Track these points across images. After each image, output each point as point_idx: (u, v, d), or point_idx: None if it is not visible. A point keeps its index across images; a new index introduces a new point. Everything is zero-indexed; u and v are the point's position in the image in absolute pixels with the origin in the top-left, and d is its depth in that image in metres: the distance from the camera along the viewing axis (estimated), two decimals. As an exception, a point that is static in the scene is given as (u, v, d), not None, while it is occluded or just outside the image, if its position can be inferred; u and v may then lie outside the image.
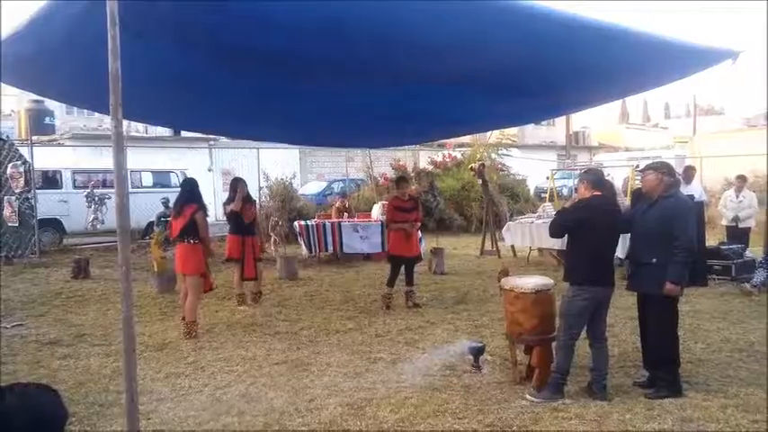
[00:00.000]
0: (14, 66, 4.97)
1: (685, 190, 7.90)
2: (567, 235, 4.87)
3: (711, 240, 10.56)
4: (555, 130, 33.80)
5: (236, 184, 7.91)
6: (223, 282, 9.77)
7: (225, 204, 8.03)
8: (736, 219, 10.92)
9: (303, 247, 11.58)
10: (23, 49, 4.49)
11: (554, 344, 4.81)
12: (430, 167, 18.91)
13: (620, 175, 14.10)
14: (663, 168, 4.88)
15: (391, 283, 7.86)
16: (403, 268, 7.87)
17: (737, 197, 11.03)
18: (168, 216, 12.34)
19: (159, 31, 4.18)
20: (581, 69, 5.25)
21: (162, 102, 6.15)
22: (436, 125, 8.19)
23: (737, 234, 10.71)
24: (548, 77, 5.35)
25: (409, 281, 7.94)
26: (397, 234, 7.83)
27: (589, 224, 4.61)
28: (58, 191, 14.19)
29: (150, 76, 4.85)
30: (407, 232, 7.79)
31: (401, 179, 8.53)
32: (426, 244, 11.97)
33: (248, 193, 8.32)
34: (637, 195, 5.35)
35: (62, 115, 27.74)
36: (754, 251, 10.07)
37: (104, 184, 14.38)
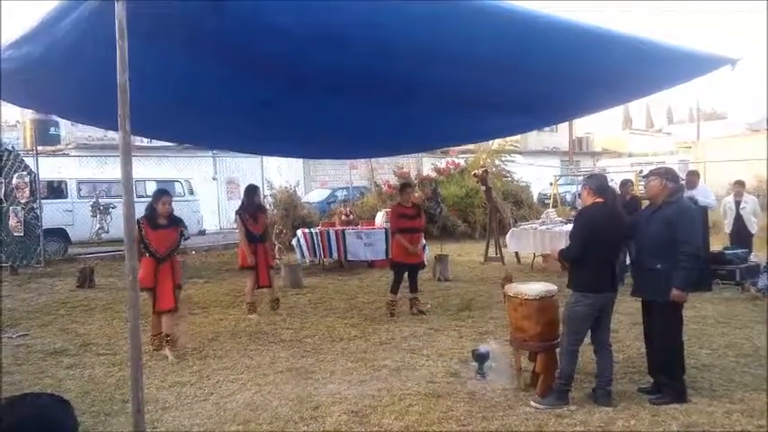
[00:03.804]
0: (17, 77, 4.99)
1: (687, 194, 7.86)
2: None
3: (716, 245, 10.53)
4: (558, 135, 33.77)
5: (251, 193, 7.96)
6: (227, 290, 9.81)
7: (236, 213, 8.05)
8: (739, 224, 10.73)
9: (304, 254, 11.52)
10: (32, 53, 4.51)
11: (558, 350, 4.81)
12: (433, 174, 18.95)
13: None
14: (666, 174, 4.89)
15: (395, 289, 7.87)
16: (407, 275, 7.89)
17: (741, 203, 10.76)
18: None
19: (167, 35, 4.20)
20: (582, 76, 5.27)
21: (167, 114, 6.17)
22: (438, 136, 8.21)
23: (743, 240, 10.48)
24: (549, 86, 5.37)
25: (413, 288, 7.95)
26: (400, 241, 7.84)
27: (592, 232, 4.61)
28: (64, 201, 14.28)
29: (156, 87, 4.87)
30: (413, 240, 7.80)
31: (405, 185, 8.53)
32: (430, 251, 11.97)
33: (260, 202, 8.34)
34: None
35: (67, 126, 27.86)
36: (759, 255, 10.04)
37: (109, 194, 14.45)
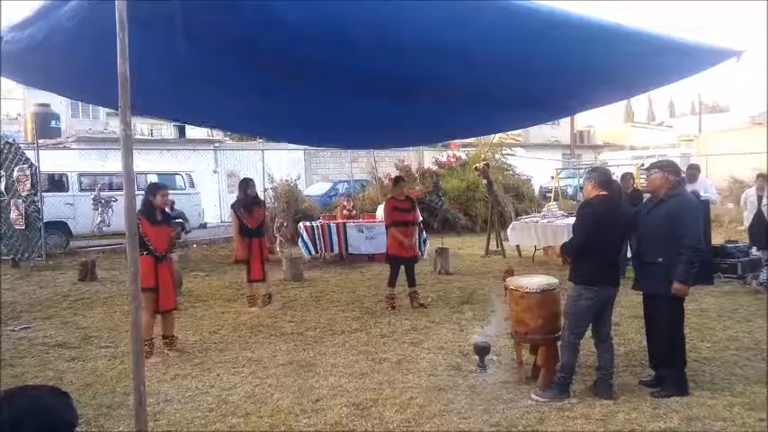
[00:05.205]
0: (20, 57, 4.97)
1: (689, 189, 7.76)
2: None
3: (718, 239, 10.50)
4: (559, 129, 33.73)
5: (245, 186, 7.92)
6: (228, 284, 9.82)
7: (232, 206, 8.04)
8: (761, 218, 9.70)
9: (303, 250, 11.54)
10: (35, 35, 4.50)
11: (559, 343, 4.80)
12: (434, 168, 18.92)
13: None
14: (668, 167, 4.87)
15: (392, 283, 7.86)
16: (403, 269, 7.88)
17: (763, 198, 9.80)
18: (172, 218, 12.39)
19: (168, 24, 4.19)
20: (587, 70, 5.25)
21: (169, 94, 6.14)
22: (439, 130, 8.19)
23: (764, 235, 9.47)
24: (556, 81, 5.35)
25: (411, 282, 7.94)
26: (394, 235, 7.84)
27: (596, 225, 4.59)
28: (65, 194, 14.28)
29: (158, 68, 4.84)
30: (407, 233, 7.79)
31: (398, 179, 8.52)
32: (431, 244, 11.98)
33: (256, 194, 8.30)
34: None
35: (68, 119, 27.88)
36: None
37: (110, 187, 14.46)
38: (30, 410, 1.63)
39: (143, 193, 6.03)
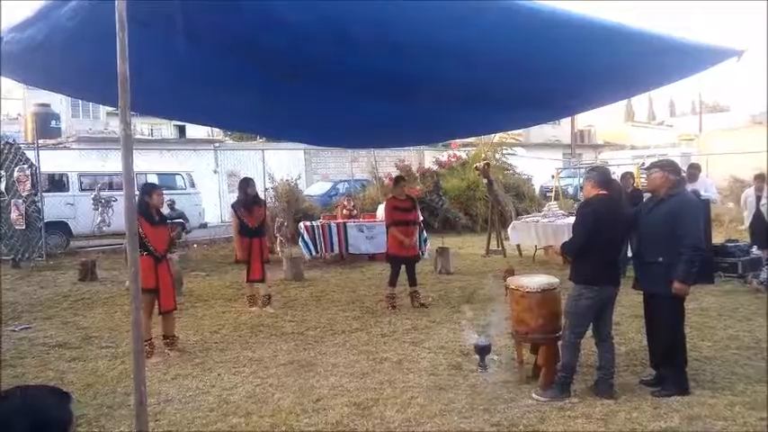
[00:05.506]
0: (20, 57, 4.96)
1: (690, 188, 7.74)
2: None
3: (718, 238, 10.48)
4: (560, 128, 33.69)
5: (245, 186, 7.90)
6: (229, 283, 9.82)
7: (232, 206, 8.03)
8: (759, 219, 9.80)
9: (303, 250, 11.55)
10: (35, 36, 4.49)
11: (560, 343, 4.80)
12: (435, 167, 18.91)
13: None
14: (668, 166, 4.87)
15: (393, 282, 7.86)
16: (404, 269, 7.88)
17: (761, 198, 9.84)
18: (173, 218, 12.39)
19: (167, 23, 4.19)
20: (588, 70, 5.24)
21: (169, 94, 6.12)
22: (439, 129, 8.17)
23: (764, 236, 9.51)
24: (557, 81, 5.35)
25: (412, 281, 7.94)
26: (394, 234, 7.83)
27: (596, 224, 4.59)
28: (65, 194, 14.29)
29: (158, 68, 4.84)
30: (407, 232, 7.79)
31: (399, 179, 8.51)
32: (432, 243, 11.98)
33: (256, 194, 8.28)
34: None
35: (68, 118, 27.88)
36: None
37: (110, 187, 14.46)
38: (20, 409, 1.62)
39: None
